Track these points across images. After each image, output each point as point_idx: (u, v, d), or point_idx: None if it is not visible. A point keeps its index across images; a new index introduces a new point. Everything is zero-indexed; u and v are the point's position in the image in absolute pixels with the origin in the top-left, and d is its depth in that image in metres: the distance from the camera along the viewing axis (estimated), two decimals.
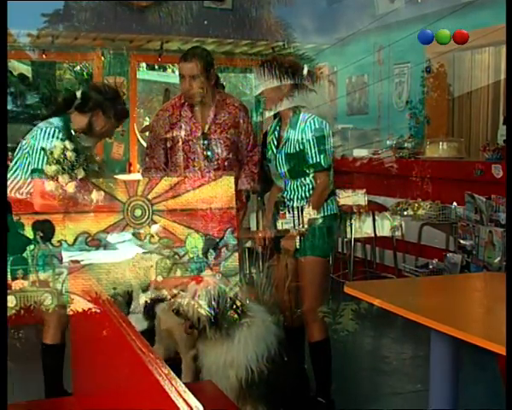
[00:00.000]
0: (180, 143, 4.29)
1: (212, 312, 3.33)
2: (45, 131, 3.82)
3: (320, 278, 4.03)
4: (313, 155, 3.93)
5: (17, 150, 3.96)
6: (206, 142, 4.26)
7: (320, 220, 3.98)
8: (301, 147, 3.94)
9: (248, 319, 3.40)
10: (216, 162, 4.27)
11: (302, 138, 3.94)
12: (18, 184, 3.75)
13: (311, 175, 3.98)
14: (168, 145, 4.32)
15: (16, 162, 3.91)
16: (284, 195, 4.06)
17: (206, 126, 4.29)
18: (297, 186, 4.01)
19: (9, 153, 3.91)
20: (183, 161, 4.27)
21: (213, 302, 3.34)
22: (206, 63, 4.24)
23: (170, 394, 1.65)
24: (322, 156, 3.93)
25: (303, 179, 3.99)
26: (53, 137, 3.77)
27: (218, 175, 3.97)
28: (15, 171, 3.87)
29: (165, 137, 4.33)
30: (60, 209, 3.63)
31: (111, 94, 4.05)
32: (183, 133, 4.28)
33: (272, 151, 4.12)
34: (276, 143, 4.11)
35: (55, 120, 3.91)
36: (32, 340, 4.05)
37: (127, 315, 3.65)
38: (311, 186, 3.99)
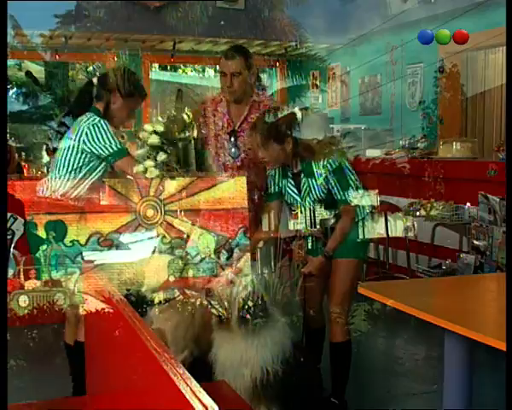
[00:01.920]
0: (211, 137, 4.32)
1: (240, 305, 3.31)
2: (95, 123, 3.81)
3: (352, 280, 3.98)
4: (338, 195, 3.88)
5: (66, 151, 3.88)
6: (234, 139, 4.29)
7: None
8: (327, 190, 3.89)
9: (269, 319, 3.38)
10: (240, 160, 4.28)
11: (326, 184, 3.87)
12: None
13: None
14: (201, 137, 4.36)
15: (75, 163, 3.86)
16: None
17: (238, 124, 4.31)
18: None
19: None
20: (211, 155, 4.30)
21: (241, 296, 3.33)
22: (247, 62, 4.27)
23: (185, 394, 1.64)
24: (346, 193, 3.88)
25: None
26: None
27: (233, 175, 3.98)
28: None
29: (200, 129, 4.36)
30: (73, 209, 3.64)
31: (126, 73, 4.02)
32: (215, 128, 4.32)
33: (294, 198, 4.01)
34: (295, 190, 4.00)
35: (92, 114, 3.87)
36: (46, 340, 4.05)
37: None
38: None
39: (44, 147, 9.52)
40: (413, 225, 6.68)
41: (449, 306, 2.94)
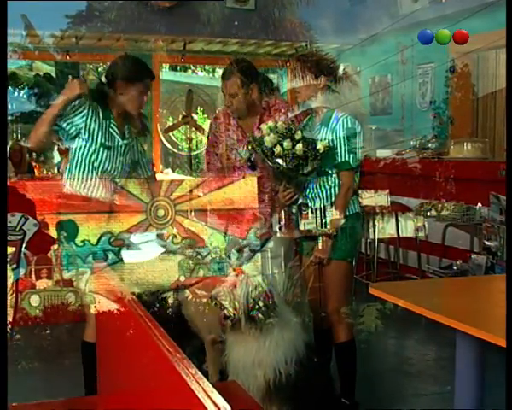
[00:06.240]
0: (226, 149, 4.33)
1: (249, 305, 3.31)
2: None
3: (344, 280, 4.00)
4: (342, 154, 3.91)
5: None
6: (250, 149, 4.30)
7: (343, 221, 3.95)
8: (331, 144, 3.92)
9: (280, 319, 3.38)
10: (259, 170, 4.26)
11: (333, 136, 3.92)
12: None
13: (335, 175, 3.96)
14: (218, 151, 4.37)
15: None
16: (306, 193, 4.03)
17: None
18: (320, 185, 3.99)
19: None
20: (229, 167, 4.32)
21: (251, 296, 3.32)
22: (246, 78, 4.24)
23: (197, 394, 1.64)
24: (351, 156, 3.91)
25: (327, 178, 3.97)
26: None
27: (241, 176, 3.99)
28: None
29: (216, 143, 4.41)
30: (84, 209, 3.65)
31: (125, 59, 4.02)
32: (229, 141, 4.33)
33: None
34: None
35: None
36: (58, 339, 4.05)
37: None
38: (333, 184, 3.97)
39: (56, 147, 9.56)
40: (424, 226, 6.67)
41: (460, 306, 2.93)
